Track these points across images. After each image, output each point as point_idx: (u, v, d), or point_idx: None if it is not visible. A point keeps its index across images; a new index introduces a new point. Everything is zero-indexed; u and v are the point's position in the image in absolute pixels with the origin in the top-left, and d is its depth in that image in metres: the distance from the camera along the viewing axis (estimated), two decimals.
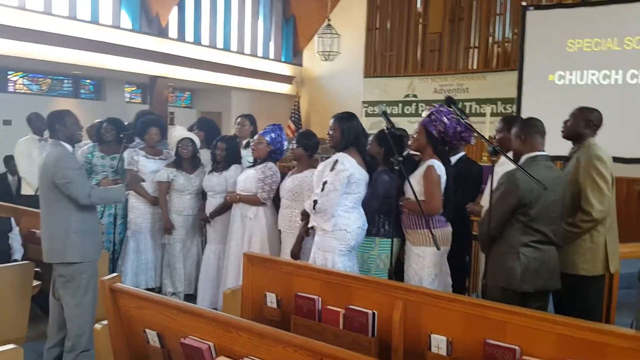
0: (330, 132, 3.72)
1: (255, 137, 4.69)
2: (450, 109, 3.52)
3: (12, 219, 4.66)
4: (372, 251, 3.84)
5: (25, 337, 4.16)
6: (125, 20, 9.90)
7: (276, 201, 4.49)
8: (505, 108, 9.64)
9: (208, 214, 4.85)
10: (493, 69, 9.92)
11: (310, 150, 4.29)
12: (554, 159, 3.29)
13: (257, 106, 11.94)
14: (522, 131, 3.20)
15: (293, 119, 12.67)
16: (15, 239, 4.59)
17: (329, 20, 10.59)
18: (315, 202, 3.57)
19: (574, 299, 3.42)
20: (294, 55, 13.46)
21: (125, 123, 5.42)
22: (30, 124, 6.07)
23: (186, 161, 5.03)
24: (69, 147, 3.73)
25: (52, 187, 3.57)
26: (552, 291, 3.27)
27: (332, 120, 3.74)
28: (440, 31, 10.31)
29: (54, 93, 10.15)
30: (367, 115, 10.64)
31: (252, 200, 4.48)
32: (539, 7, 8.41)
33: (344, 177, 3.53)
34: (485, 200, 3.82)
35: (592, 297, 3.45)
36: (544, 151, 3.18)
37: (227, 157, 4.82)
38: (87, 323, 3.67)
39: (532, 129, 3.18)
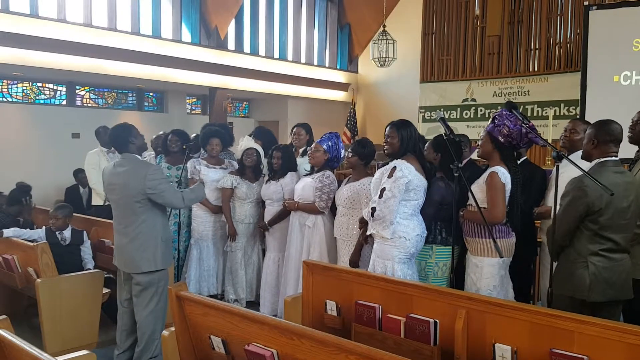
0: (388, 140, 3.67)
1: (313, 145, 4.73)
2: (512, 113, 3.44)
3: (85, 232, 4.87)
4: (429, 259, 3.79)
5: (96, 343, 4.34)
6: (186, 34, 10.22)
7: (333, 209, 4.51)
8: (568, 110, 9.33)
9: (267, 222, 4.92)
10: (555, 71, 9.63)
11: (365, 158, 4.28)
12: (621, 161, 3.16)
13: (313, 114, 12.06)
14: (596, 136, 3.07)
15: (349, 125, 12.70)
16: (86, 252, 4.80)
17: (384, 26, 10.57)
18: (373, 209, 3.56)
19: None
20: (350, 62, 13.51)
21: (192, 135, 5.57)
22: (99, 137, 6.35)
23: (249, 170, 5.14)
24: (139, 157, 3.89)
25: (141, 198, 3.69)
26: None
27: (388, 128, 3.70)
28: (499, 34, 10.10)
29: (119, 106, 10.58)
30: (424, 120, 10.53)
31: (311, 209, 4.52)
32: (602, 6, 8.12)
33: (402, 184, 3.49)
34: (549, 204, 3.71)
35: None
36: (615, 156, 3.06)
37: (283, 166, 4.89)
38: (159, 329, 3.76)
39: (607, 136, 3.04)
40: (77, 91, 9.93)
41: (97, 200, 6.29)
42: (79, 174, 7.82)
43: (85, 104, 10.07)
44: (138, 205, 3.71)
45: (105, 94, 10.40)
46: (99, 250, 5.02)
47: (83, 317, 4.25)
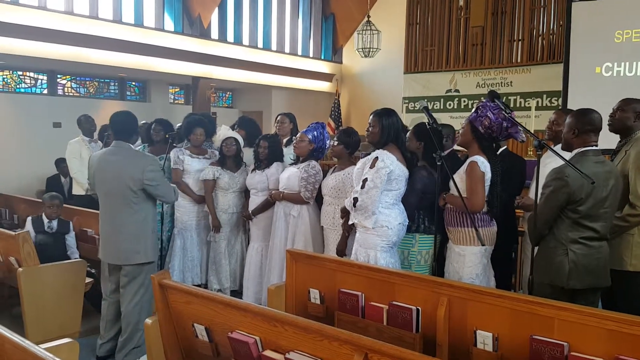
0: (370, 129, 3.70)
1: (298, 135, 4.72)
2: (494, 103, 3.47)
3: (71, 223, 4.83)
4: (412, 247, 3.82)
5: (78, 332, 4.31)
6: (168, 23, 10.11)
7: (319, 198, 4.52)
8: (550, 101, 9.41)
9: (251, 212, 4.92)
10: (538, 62, 9.69)
11: (351, 148, 4.30)
12: (602, 152, 3.20)
13: (298, 104, 12.02)
14: (576, 125, 3.10)
15: (333, 116, 12.69)
16: (72, 241, 4.78)
17: (369, 16, 10.55)
18: (355, 199, 3.58)
19: (623, 295, 3.33)
20: (334, 52, 13.47)
21: (176, 125, 5.53)
22: (81, 126, 6.28)
23: (230, 159, 5.12)
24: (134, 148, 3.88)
25: (137, 188, 3.66)
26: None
27: (371, 117, 3.72)
28: (482, 24, 10.14)
29: (101, 95, 10.45)
30: (408, 111, 10.56)
31: (296, 199, 4.52)
32: None
33: (384, 174, 3.52)
34: (532, 195, 3.75)
35: None
36: (595, 146, 3.10)
37: (270, 155, 4.88)
38: (143, 320, 3.76)
39: (588, 125, 3.07)
40: (58, 80, 9.79)
41: (78, 190, 6.23)
42: (61, 163, 7.74)
43: (67, 93, 9.94)
44: (133, 195, 3.68)
45: (87, 83, 10.26)
46: (81, 240, 4.99)
47: (65, 307, 4.22)
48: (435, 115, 4.16)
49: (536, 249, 3.21)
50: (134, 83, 11.00)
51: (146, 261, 3.79)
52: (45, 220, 4.68)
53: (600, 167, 3.03)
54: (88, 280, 4.50)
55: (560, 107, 8.44)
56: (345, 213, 3.95)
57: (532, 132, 5.91)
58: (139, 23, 9.55)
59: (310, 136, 4.56)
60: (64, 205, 5.47)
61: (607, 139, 3.63)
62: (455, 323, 2.68)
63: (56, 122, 9.10)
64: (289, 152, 5.06)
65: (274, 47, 12.20)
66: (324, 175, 4.48)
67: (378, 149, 3.66)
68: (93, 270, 4.68)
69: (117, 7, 9.27)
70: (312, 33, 13.14)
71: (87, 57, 8.38)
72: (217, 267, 5.13)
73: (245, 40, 11.58)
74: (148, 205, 3.77)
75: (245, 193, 5.15)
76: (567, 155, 3.13)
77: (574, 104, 7.42)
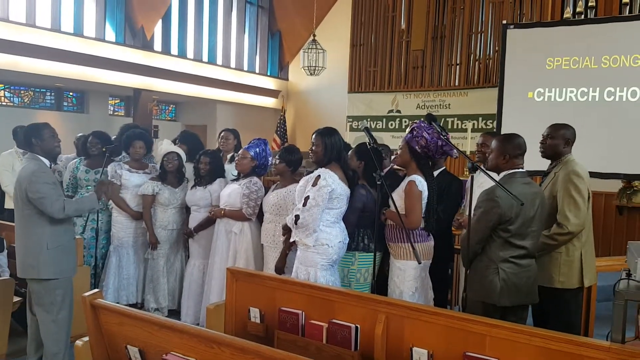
0: (313, 148, 3.75)
1: (240, 151, 4.70)
2: (432, 126, 3.60)
3: (4, 240, 4.61)
4: (352, 265, 3.86)
5: (5, 354, 4.10)
6: (110, 33, 9.90)
7: (260, 216, 4.50)
8: (486, 124, 9.79)
9: (192, 229, 4.84)
10: (474, 86, 10.09)
11: (292, 165, 4.31)
12: (532, 174, 3.34)
13: (243, 119, 11.99)
14: (507, 149, 3.24)
15: (279, 132, 12.73)
16: (3, 260, 4.54)
17: (315, 35, 10.70)
18: (297, 217, 3.60)
19: (553, 311, 3.48)
20: (280, 69, 13.54)
21: (113, 137, 5.39)
22: (16, 137, 6.02)
23: (171, 175, 5.02)
24: (46, 161, 3.68)
25: (26, 201, 3.53)
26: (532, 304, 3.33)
27: (314, 136, 3.77)
28: (422, 48, 10.46)
29: (36, 106, 10.09)
30: (352, 130, 10.72)
31: (237, 216, 4.49)
32: (519, 25, 8.57)
33: (325, 193, 3.57)
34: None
35: (570, 309, 3.51)
36: (522, 168, 3.25)
37: (211, 171, 4.83)
38: (63, 340, 3.66)
39: (517, 150, 3.22)
40: None
41: (10, 204, 5.95)
42: None
43: (0, 103, 9.53)
44: (25, 207, 3.56)
45: (22, 92, 9.89)
46: (11, 256, 4.74)
47: None
48: (377, 134, 4.26)
49: None
50: (71, 93, 10.67)
51: (38, 277, 3.60)
52: None
53: (528, 188, 3.18)
54: (17, 299, 4.29)
55: (494, 129, 8.76)
56: (287, 230, 3.95)
57: (468, 152, 6.12)
58: (78, 32, 9.30)
59: (252, 153, 4.55)
60: None
61: (538, 161, 3.80)
62: (392, 340, 2.72)
63: None
64: (232, 168, 5.02)
65: (219, 61, 12.15)
66: (266, 192, 4.47)
67: (321, 167, 3.70)
68: (23, 290, 4.46)
69: (55, 16, 9.01)
70: (258, 49, 13.18)
71: (22, 65, 8.09)
72: (154, 285, 5.00)
73: (190, 53, 11.48)
74: (43, 219, 3.58)
75: (186, 209, 5.06)
76: (495, 177, 3.26)
77: (507, 127, 7.70)
